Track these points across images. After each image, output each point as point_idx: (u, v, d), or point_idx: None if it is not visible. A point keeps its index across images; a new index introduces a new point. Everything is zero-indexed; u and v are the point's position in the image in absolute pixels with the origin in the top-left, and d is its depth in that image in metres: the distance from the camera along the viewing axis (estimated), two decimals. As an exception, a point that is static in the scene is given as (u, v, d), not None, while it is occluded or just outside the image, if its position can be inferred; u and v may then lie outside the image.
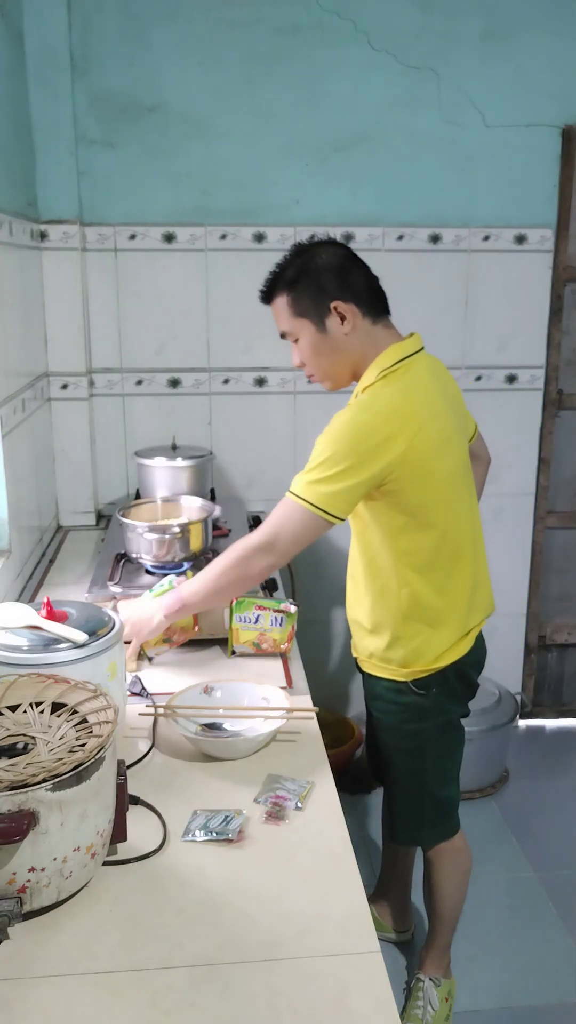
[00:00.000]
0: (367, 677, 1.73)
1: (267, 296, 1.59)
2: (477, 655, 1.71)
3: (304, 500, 1.46)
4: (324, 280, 1.53)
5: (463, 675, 1.68)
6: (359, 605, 1.68)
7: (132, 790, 1.21)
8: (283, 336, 1.61)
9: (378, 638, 1.64)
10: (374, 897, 2.13)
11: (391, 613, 1.61)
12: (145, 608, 1.62)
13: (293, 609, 1.70)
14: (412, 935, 2.15)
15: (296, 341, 1.59)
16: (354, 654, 1.77)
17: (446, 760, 1.75)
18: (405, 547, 1.55)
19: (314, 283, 1.53)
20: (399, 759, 1.75)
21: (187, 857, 1.13)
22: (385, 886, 2.13)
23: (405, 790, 1.78)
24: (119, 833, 1.09)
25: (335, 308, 1.53)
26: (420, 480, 1.49)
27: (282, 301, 1.56)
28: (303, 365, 1.62)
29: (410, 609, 1.59)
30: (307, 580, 2.66)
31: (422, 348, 1.60)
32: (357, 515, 1.59)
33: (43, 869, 0.97)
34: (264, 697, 1.50)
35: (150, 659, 1.69)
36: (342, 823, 1.21)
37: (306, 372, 1.64)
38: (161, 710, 1.44)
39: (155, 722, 1.46)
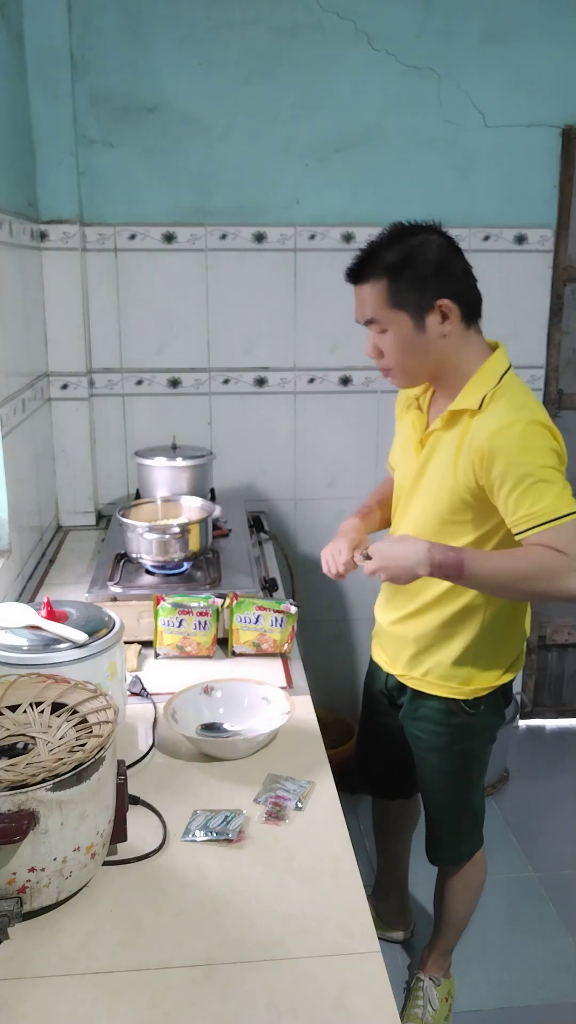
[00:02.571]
0: (413, 697, 1.67)
1: (357, 276, 1.44)
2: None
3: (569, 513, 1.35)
4: (433, 273, 1.40)
5: (506, 689, 1.67)
6: (419, 620, 1.61)
7: (132, 790, 1.21)
8: (367, 323, 1.46)
9: (444, 652, 1.59)
10: (373, 896, 2.13)
11: (471, 627, 1.55)
12: (412, 551, 1.39)
13: (293, 610, 1.70)
14: (412, 932, 2.16)
15: (383, 331, 1.45)
16: (393, 671, 1.70)
17: (484, 772, 1.75)
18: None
19: (421, 275, 1.40)
20: (446, 780, 1.72)
21: (187, 857, 1.13)
22: (384, 885, 2.13)
23: (450, 810, 1.75)
24: (119, 833, 1.09)
25: (440, 306, 1.41)
26: None
27: (378, 287, 1.41)
28: (380, 356, 1.49)
29: (492, 623, 1.55)
30: (307, 580, 2.66)
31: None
32: (460, 525, 1.49)
33: (43, 869, 0.97)
34: (264, 697, 1.50)
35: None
36: (342, 823, 1.21)
37: (382, 365, 1.51)
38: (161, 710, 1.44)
39: (155, 722, 1.46)
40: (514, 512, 1.38)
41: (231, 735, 1.41)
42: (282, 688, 1.57)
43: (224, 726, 1.45)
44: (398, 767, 1.89)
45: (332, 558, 1.62)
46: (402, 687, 1.71)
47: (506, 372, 1.48)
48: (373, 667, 1.83)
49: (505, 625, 1.59)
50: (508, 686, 1.67)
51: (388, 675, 1.74)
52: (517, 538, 1.40)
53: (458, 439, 1.46)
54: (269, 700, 1.48)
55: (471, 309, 1.47)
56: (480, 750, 1.71)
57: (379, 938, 1.01)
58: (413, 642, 1.63)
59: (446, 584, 1.51)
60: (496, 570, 1.39)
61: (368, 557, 1.45)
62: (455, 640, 1.57)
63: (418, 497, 1.57)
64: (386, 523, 1.78)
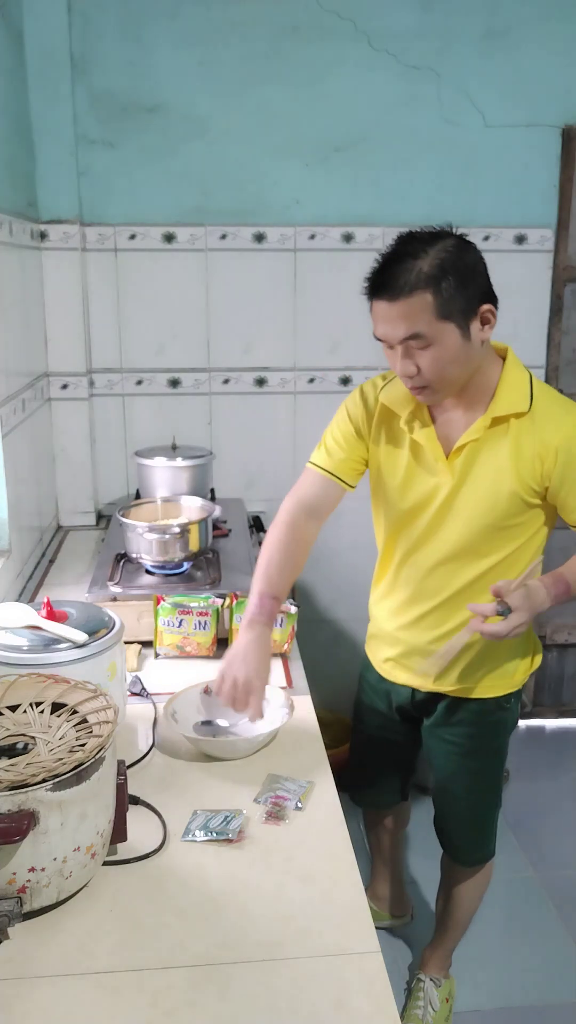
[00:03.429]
0: (451, 704, 1.65)
1: (396, 292, 1.32)
2: None
3: None
4: (472, 279, 1.35)
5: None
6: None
7: (132, 790, 1.21)
8: (407, 339, 1.35)
9: (494, 651, 1.58)
10: (369, 886, 2.13)
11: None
12: (540, 597, 1.41)
13: (293, 610, 1.70)
14: (412, 917, 2.16)
15: (425, 347, 1.36)
16: (441, 687, 1.64)
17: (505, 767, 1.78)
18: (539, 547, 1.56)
19: (462, 282, 1.33)
20: (477, 781, 1.72)
21: (187, 857, 1.13)
22: (379, 873, 2.13)
23: (481, 809, 1.75)
24: (119, 833, 1.09)
25: (482, 312, 1.37)
26: None
27: (422, 300, 1.31)
28: (416, 374, 1.39)
29: None
30: (307, 580, 2.66)
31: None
32: (510, 530, 1.50)
33: (43, 869, 0.97)
34: (264, 697, 1.50)
35: None
36: (342, 823, 1.21)
37: (418, 382, 1.40)
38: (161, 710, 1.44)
39: (155, 722, 1.46)
40: None
41: (231, 735, 1.41)
42: (282, 688, 1.57)
43: (224, 725, 1.45)
44: (401, 778, 1.89)
45: (240, 692, 1.40)
46: (434, 698, 1.67)
47: (530, 372, 1.51)
48: (386, 687, 1.75)
49: None
50: None
51: (415, 691, 1.69)
52: None
53: (511, 442, 1.44)
54: (269, 700, 1.48)
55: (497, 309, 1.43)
56: (506, 745, 1.74)
57: (379, 927, 1.01)
58: (462, 654, 1.59)
59: (480, 595, 1.52)
60: None
61: (502, 612, 1.37)
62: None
63: (457, 510, 1.51)
64: (293, 579, 1.61)
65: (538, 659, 1.70)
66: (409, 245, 1.35)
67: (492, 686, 1.63)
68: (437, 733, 1.71)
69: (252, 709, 1.38)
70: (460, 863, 1.82)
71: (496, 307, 1.40)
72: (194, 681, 1.53)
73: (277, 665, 1.69)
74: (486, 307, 1.37)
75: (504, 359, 1.50)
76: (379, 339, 1.40)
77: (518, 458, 1.44)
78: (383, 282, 1.34)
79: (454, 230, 1.40)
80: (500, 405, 1.44)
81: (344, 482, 1.63)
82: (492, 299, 1.40)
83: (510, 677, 1.64)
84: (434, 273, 1.31)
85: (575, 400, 1.52)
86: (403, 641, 1.66)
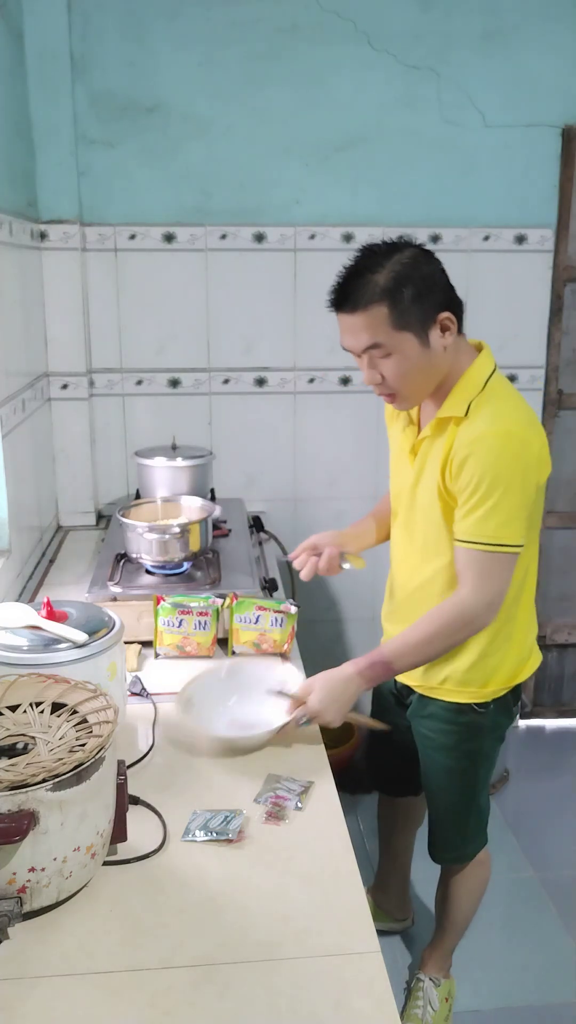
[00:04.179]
0: (422, 696, 1.68)
1: (353, 305, 1.39)
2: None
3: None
4: (428, 288, 1.40)
5: (515, 688, 1.67)
6: None
7: (132, 790, 1.21)
8: (367, 350, 1.42)
9: (457, 661, 1.58)
10: (374, 887, 2.14)
11: (488, 635, 1.55)
12: (337, 679, 1.47)
13: (293, 610, 1.71)
14: (413, 921, 2.16)
15: (386, 356, 1.42)
16: (410, 681, 1.68)
17: (491, 771, 1.75)
18: (522, 562, 1.52)
19: (418, 292, 1.38)
20: (451, 779, 1.72)
21: (187, 857, 1.13)
22: (385, 876, 2.13)
23: (455, 809, 1.75)
24: (119, 833, 1.09)
25: (441, 320, 1.41)
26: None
27: (378, 312, 1.38)
28: (381, 382, 1.46)
29: (502, 625, 1.55)
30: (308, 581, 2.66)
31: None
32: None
33: (43, 869, 0.97)
34: (282, 680, 1.51)
35: None
36: (342, 823, 1.21)
37: (383, 391, 1.48)
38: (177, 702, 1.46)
39: (155, 722, 1.47)
40: (463, 518, 1.43)
41: (250, 730, 1.41)
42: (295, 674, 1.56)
43: (236, 715, 1.46)
44: (407, 765, 1.89)
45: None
46: (408, 688, 1.71)
47: (491, 375, 1.49)
48: None
49: (511, 624, 1.59)
50: (518, 685, 1.68)
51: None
52: (455, 541, 1.46)
53: (445, 446, 1.47)
54: (286, 683, 1.50)
55: (460, 315, 1.48)
56: (489, 749, 1.71)
57: (379, 929, 1.01)
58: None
59: (432, 595, 1.55)
60: (418, 648, 1.48)
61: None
62: (466, 648, 1.57)
63: (416, 504, 1.57)
64: (384, 538, 1.78)
65: (528, 671, 1.66)
66: (367, 259, 1.42)
67: (461, 692, 1.61)
68: (415, 723, 1.73)
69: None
70: (433, 859, 1.83)
71: (460, 313, 1.46)
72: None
73: (277, 665, 1.69)
74: (444, 315, 1.42)
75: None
76: (346, 349, 1.47)
77: (447, 462, 1.47)
78: (344, 295, 1.41)
79: (409, 239, 1.46)
80: (446, 408, 1.48)
81: None
82: (454, 306, 1.44)
83: (478, 687, 1.60)
84: (389, 286, 1.37)
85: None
86: (385, 631, 1.77)
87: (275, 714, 1.43)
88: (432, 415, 1.53)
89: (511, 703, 1.68)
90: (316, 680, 1.46)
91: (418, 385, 1.46)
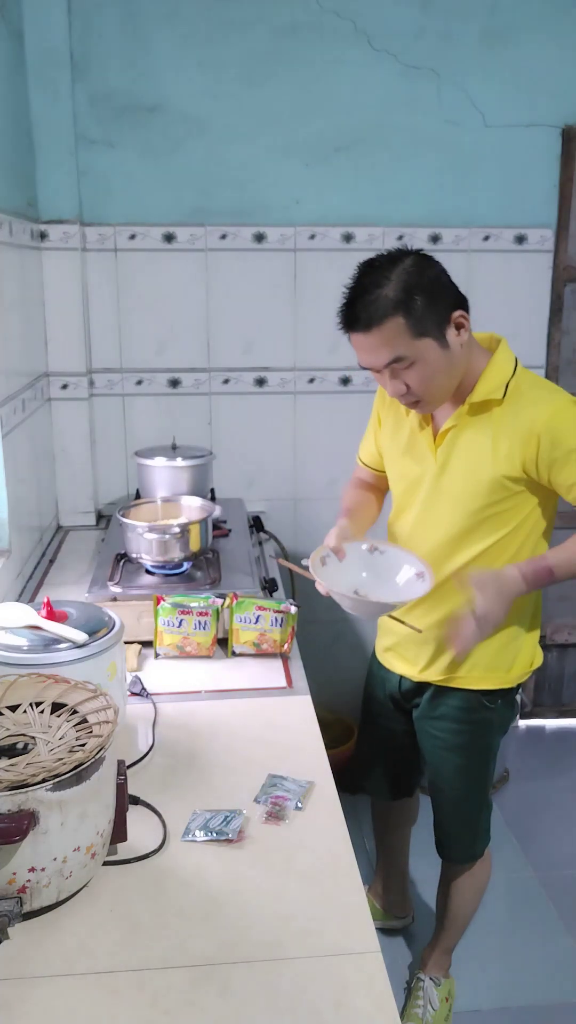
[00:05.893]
0: (434, 696, 1.68)
1: (367, 324, 1.39)
2: None
3: None
4: (439, 290, 1.41)
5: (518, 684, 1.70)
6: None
7: (132, 790, 1.21)
8: (389, 364, 1.42)
9: (490, 642, 1.58)
10: (373, 886, 2.14)
11: (519, 613, 1.58)
12: (506, 578, 1.47)
13: (293, 610, 1.71)
14: (413, 918, 2.16)
15: (410, 366, 1.42)
16: (428, 677, 1.67)
17: (495, 767, 1.76)
18: (545, 543, 1.58)
19: (430, 296, 1.39)
20: (463, 778, 1.72)
21: (187, 857, 1.13)
22: (384, 874, 2.14)
23: (466, 807, 1.75)
24: (119, 833, 1.09)
25: (455, 319, 1.42)
26: None
27: (395, 324, 1.38)
28: (407, 392, 1.46)
29: (533, 606, 1.62)
30: (307, 580, 2.65)
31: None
32: (494, 518, 1.53)
33: (43, 869, 0.97)
34: (418, 572, 1.56)
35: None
36: (342, 823, 1.21)
37: (408, 400, 1.49)
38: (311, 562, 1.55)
39: (155, 722, 1.47)
40: None
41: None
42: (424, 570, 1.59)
43: (362, 590, 1.56)
44: (402, 769, 1.89)
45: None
46: (419, 688, 1.71)
47: (517, 362, 1.53)
48: (383, 674, 1.81)
49: (533, 603, 1.63)
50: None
51: (402, 679, 1.74)
52: None
53: (491, 429, 1.49)
54: (424, 575, 1.55)
55: (468, 311, 1.48)
56: (496, 745, 1.73)
57: (380, 927, 1.01)
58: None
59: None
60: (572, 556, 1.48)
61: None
62: (504, 627, 1.58)
63: (443, 495, 1.57)
64: (370, 522, 1.79)
65: (537, 660, 1.69)
66: (370, 275, 1.41)
67: (487, 678, 1.62)
68: (424, 726, 1.73)
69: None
70: (446, 859, 1.84)
71: (467, 309, 1.46)
72: (194, 681, 1.53)
73: (277, 665, 1.69)
74: (457, 314, 1.43)
75: (495, 351, 1.55)
76: (365, 368, 1.48)
77: (497, 444, 1.48)
78: (355, 315, 1.40)
79: (408, 248, 1.47)
80: (482, 392, 1.49)
81: (369, 467, 1.80)
82: (462, 304, 1.46)
83: (504, 672, 1.63)
84: (401, 297, 1.37)
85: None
86: (395, 632, 1.71)
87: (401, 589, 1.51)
88: (447, 408, 1.54)
89: (513, 695, 1.70)
90: (484, 577, 1.47)
91: (443, 387, 1.47)
